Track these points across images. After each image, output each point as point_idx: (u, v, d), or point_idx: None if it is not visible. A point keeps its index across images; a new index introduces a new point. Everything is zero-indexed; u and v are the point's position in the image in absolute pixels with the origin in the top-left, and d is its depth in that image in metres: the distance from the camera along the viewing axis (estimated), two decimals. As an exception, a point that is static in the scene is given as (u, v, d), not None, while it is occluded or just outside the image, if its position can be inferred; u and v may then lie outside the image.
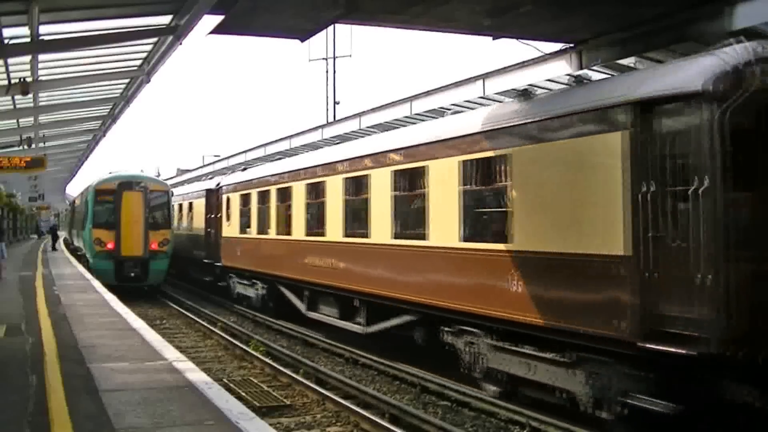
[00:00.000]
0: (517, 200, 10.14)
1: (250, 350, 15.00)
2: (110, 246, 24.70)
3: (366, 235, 14.11)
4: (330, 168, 16.00)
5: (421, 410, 10.57)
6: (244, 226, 21.86)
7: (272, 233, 19.34)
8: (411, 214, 13.09)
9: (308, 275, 16.60)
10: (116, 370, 8.72)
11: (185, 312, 21.62)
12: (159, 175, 43.56)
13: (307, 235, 16.92)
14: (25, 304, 15.31)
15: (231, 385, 11.63)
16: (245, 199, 21.94)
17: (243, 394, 11.00)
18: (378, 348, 14.44)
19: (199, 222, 27.48)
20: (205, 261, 25.89)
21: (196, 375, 8.60)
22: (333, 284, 15.46)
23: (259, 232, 20.51)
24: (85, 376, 8.37)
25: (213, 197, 25.84)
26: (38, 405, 7.06)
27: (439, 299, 11.78)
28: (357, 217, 14.84)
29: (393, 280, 13.09)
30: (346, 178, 15.26)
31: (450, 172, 11.55)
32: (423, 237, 12.32)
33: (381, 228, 13.62)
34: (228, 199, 23.72)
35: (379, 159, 14.01)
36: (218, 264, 24.32)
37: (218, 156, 44.45)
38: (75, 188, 54.02)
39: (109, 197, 25.18)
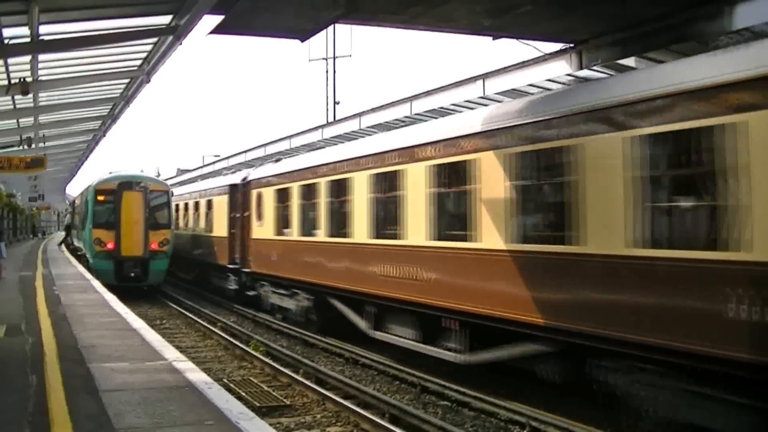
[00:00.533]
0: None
1: (250, 350, 15.00)
2: (110, 246, 24.68)
3: (470, 239, 10.99)
4: (410, 154, 12.70)
5: (421, 410, 10.57)
6: (282, 226, 18.72)
7: (321, 235, 16.17)
8: (549, 209, 10.02)
9: (375, 287, 13.51)
10: (116, 370, 8.72)
11: (185, 312, 21.60)
12: (159, 175, 43.59)
13: (375, 237, 13.82)
14: (25, 304, 15.30)
15: (231, 385, 11.63)
16: (283, 195, 18.67)
17: (243, 394, 11.00)
18: (378, 348, 14.44)
19: (221, 222, 24.43)
20: (229, 267, 23.16)
21: (196, 375, 8.59)
22: (413, 299, 12.37)
23: (302, 234, 17.36)
24: (85, 376, 8.37)
25: (238, 194, 22.81)
26: (38, 405, 7.06)
27: (595, 325, 8.71)
28: (452, 216, 11.96)
29: (513, 296, 10.00)
30: (437, 167, 11.94)
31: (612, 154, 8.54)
32: (570, 240, 9.16)
33: (495, 229, 10.43)
34: (259, 196, 20.42)
35: (494, 137, 10.52)
36: (246, 270, 21.43)
37: (218, 156, 44.50)
38: (75, 188, 54.12)
39: (109, 197, 25.16)
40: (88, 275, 23.60)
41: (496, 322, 10.42)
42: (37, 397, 7.36)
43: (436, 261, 11.81)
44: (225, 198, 23.99)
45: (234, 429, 6.32)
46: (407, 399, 11.49)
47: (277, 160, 22.08)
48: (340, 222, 15.41)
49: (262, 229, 20.08)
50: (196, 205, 28.58)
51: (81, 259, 30.87)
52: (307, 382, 12.10)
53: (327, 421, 10.23)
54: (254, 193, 20.91)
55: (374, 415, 10.06)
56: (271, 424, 7.60)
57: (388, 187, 13.50)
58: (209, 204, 26.37)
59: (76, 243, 36.07)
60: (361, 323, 14.49)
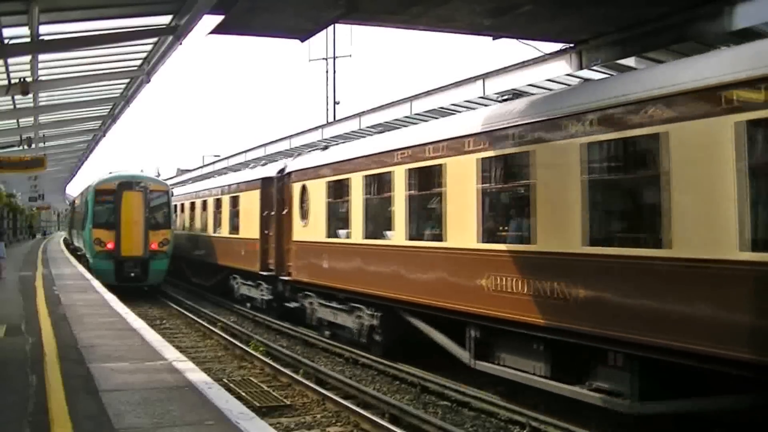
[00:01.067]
0: None
1: (250, 350, 15.00)
2: (110, 246, 24.69)
3: (656, 243, 8.13)
4: (551, 126, 9.51)
5: (421, 410, 10.57)
6: (337, 226, 15.67)
7: (398, 237, 13.03)
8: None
9: (481, 304, 10.68)
10: (116, 370, 8.71)
11: (185, 312, 21.60)
12: (159, 175, 43.56)
13: (486, 241, 10.79)
14: (25, 305, 15.30)
15: (231, 385, 11.62)
16: (339, 188, 15.52)
17: (243, 394, 11.00)
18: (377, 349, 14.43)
19: (250, 222, 21.32)
20: (261, 274, 20.15)
21: (196, 375, 8.58)
22: (545, 322, 9.49)
23: (368, 236, 14.21)
24: (85, 376, 8.37)
25: (271, 188, 19.80)
26: (38, 405, 7.05)
27: None
28: (628, 212, 9.24)
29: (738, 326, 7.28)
30: (600, 144, 8.92)
31: None
32: None
33: (702, 231, 7.64)
34: (303, 190, 17.27)
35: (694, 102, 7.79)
36: (284, 279, 18.38)
37: (218, 156, 44.51)
38: (75, 188, 54.12)
39: (109, 197, 25.17)
40: (88, 275, 23.60)
41: (686, 358, 7.80)
42: (37, 397, 7.36)
43: (593, 273, 8.86)
44: (255, 194, 20.85)
45: (234, 429, 6.32)
46: (407, 399, 11.49)
47: (325, 148, 18.86)
48: (428, 222, 12.60)
49: (308, 229, 16.86)
50: (217, 203, 25.49)
51: (81, 259, 30.87)
52: (307, 382, 12.10)
53: (327, 421, 10.22)
54: (296, 187, 17.70)
55: (374, 415, 10.06)
56: (271, 424, 7.59)
57: (512, 174, 10.55)
58: (234, 201, 23.38)
59: (76, 243, 36.06)
60: (456, 349, 11.63)
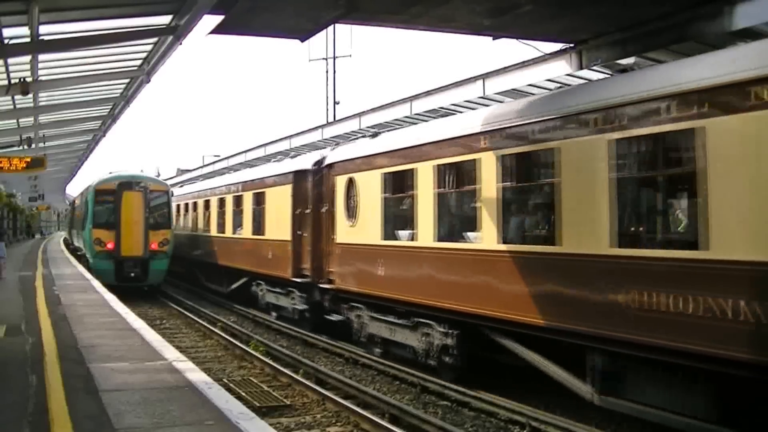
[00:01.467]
0: None
1: (250, 350, 14.99)
2: (110, 246, 24.70)
3: None
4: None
5: (421, 410, 10.57)
6: (396, 226, 13.38)
7: (486, 240, 10.71)
8: None
9: (610, 325, 8.59)
10: (116, 370, 8.72)
11: (185, 312, 21.59)
12: (159, 175, 43.59)
13: (622, 245, 8.59)
14: (25, 305, 15.30)
15: (231, 385, 11.62)
16: (399, 181, 13.26)
17: (243, 394, 11.00)
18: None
19: (279, 221, 18.99)
20: (294, 280, 17.81)
21: (196, 375, 8.59)
22: (721, 352, 7.42)
23: (441, 238, 11.88)
24: (85, 376, 8.37)
25: (306, 183, 17.53)
26: (38, 405, 7.06)
27: None
28: None
29: None
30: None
31: None
32: None
33: None
34: (350, 183, 14.86)
35: None
36: (325, 286, 15.89)
37: (218, 156, 44.53)
38: (75, 188, 54.12)
39: (109, 197, 25.18)
40: (88, 275, 23.61)
41: None
42: (37, 397, 7.36)
43: None
44: (285, 189, 18.54)
45: (234, 429, 6.32)
46: (407, 399, 11.49)
47: (375, 135, 16.03)
48: (529, 220, 10.59)
49: (356, 230, 14.55)
50: (237, 200, 23.10)
51: (81, 259, 30.87)
52: (307, 382, 12.10)
53: (327, 421, 10.22)
54: (339, 180, 15.34)
55: (374, 415, 10.06)
56: (271, 424, 7.59)
57: (669, 158, 8.38)
58: (258, 198, 20.97)
59: (76, 243, 36.05)
60: (572, 380, 9.52)
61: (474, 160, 11.04)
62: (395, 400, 11.10)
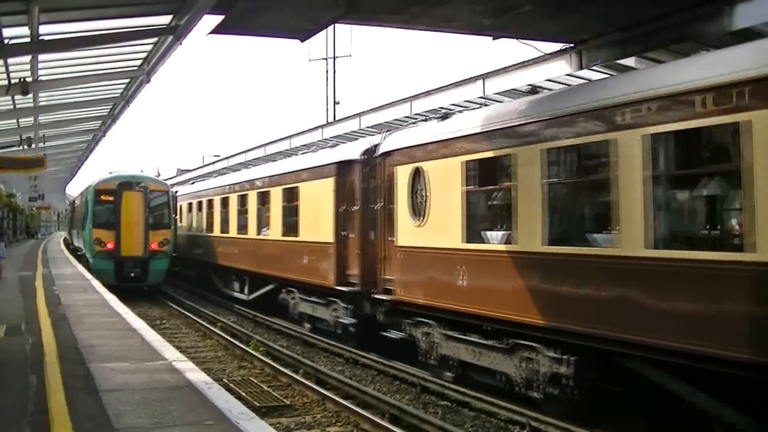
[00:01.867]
0: None
1: (250, 350, 14.99)
2: (110, 246, 24.72)
3: None
4: None
5: (421, 410, 10.56)
6: (484, 225, 11.31)
7: (626, 245, 8.38)
8: None
9: None
10: (116, 370, 8.71)
11: (185, 312, 21.60)
12: (159, 175, 43.61)
13: None
14: (25, 305, 15.30)
15: (231, 385, 11.62)
16: (488, 170, 11.05)
17: (243, 394, 11.00)
18: (377, 348, 14.42)
19: (318, 220, 16.62)
20: (337, 289, 15.50)
21: (196, 375, 8.59)
22: None
23: (553, 241, 9.57)
24: (85, 376, 8.36)
25: (353, 175, 15.32)
26: (38, 405, 7.05)
27: None
28: None
29: None
30: None
31: None
32: None
33: None
34: (417, 174, 12.57)
35: None
36: (381, 297, 13.52)
37: (218, 156, 44.56)
38: (75, 188, 54.15)
39: (109, 197, 25.20)
40: (88, 275, 23.61)
41: None
42: (37, 397, 7.36)
43: None
44: (326, 183, 16.20)
45: (234, 429, 6.31)
46: (407, 399, 11.49)
47: (445, 116, 13.11)
48: (697, 219, 8.42)
49: (425, 230, 12.26)
50: (262, 197, 20.58)
51: (81, 259, 30.88)
52: (307, 382, 12.10)
53: (327, 421, 10.22)
54: (401, 171, 12.98)
55: (374, 415, 10.06)
56: (271, 424, 7.59)
57: None
58: (290, 194, 18.53)
59: (76, 243, 36.05)
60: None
61: (606, 141, 8.68)
62: (395, 400, 11.10)
